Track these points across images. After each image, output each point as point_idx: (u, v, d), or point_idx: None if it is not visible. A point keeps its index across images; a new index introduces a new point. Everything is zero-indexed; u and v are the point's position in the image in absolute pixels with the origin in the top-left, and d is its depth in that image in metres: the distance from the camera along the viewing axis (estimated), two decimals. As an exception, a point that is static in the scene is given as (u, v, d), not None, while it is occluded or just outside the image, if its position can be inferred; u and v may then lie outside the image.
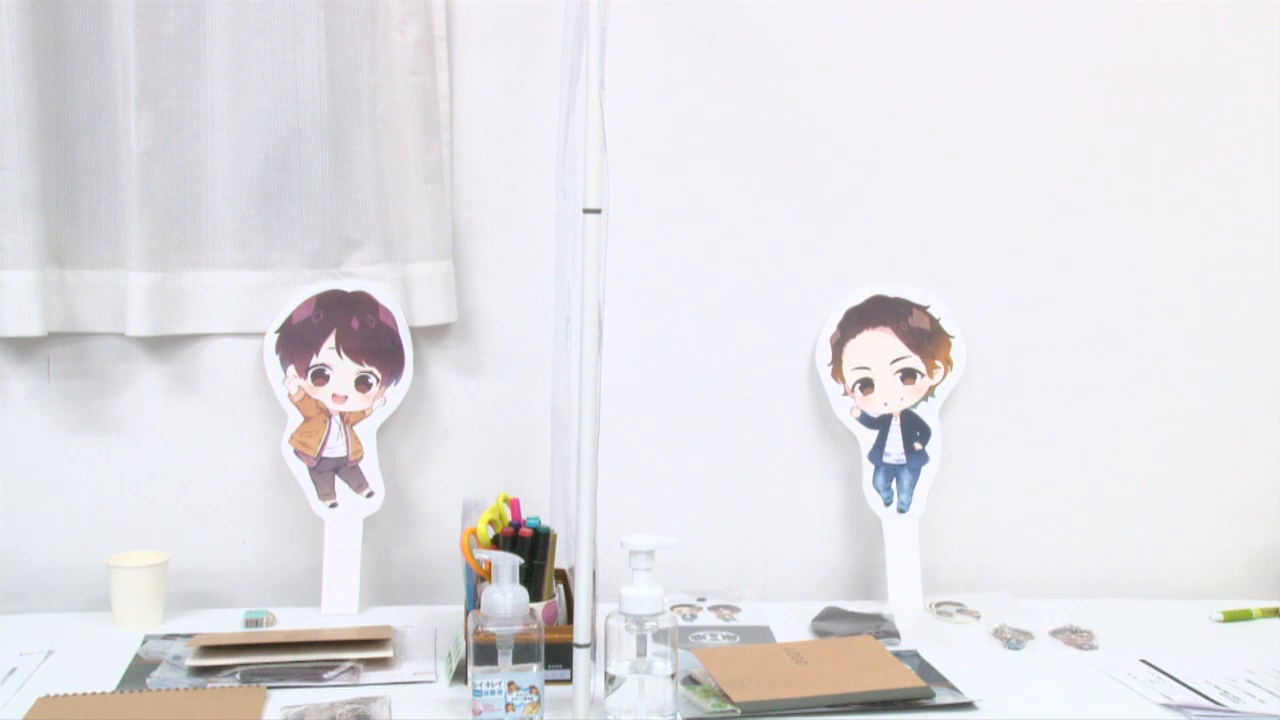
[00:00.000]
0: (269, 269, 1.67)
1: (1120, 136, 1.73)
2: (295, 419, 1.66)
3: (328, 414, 1.66)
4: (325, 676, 1.38)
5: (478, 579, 1.38)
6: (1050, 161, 1.73)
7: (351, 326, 1.67)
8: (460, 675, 1.38)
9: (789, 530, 1.75)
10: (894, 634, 1.55)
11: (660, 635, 1.26)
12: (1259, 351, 1.76)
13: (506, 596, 1.24)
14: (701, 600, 1.67)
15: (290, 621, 1.57)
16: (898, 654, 1.46)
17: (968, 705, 1.33)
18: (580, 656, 1.24)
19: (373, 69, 1.62)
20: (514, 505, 1.47)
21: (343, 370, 1.67)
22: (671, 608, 1.34)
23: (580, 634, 1.24)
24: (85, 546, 1.63)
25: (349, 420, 1.66)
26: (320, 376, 1.66)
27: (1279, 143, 1.73)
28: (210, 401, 1.68)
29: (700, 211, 1.71)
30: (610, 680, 1.27)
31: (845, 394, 1.71)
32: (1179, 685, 1.38)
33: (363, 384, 1.66)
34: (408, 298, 1.66)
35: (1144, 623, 1.61)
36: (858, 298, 1.72)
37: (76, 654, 1.48)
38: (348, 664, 1.41)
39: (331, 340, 1.67)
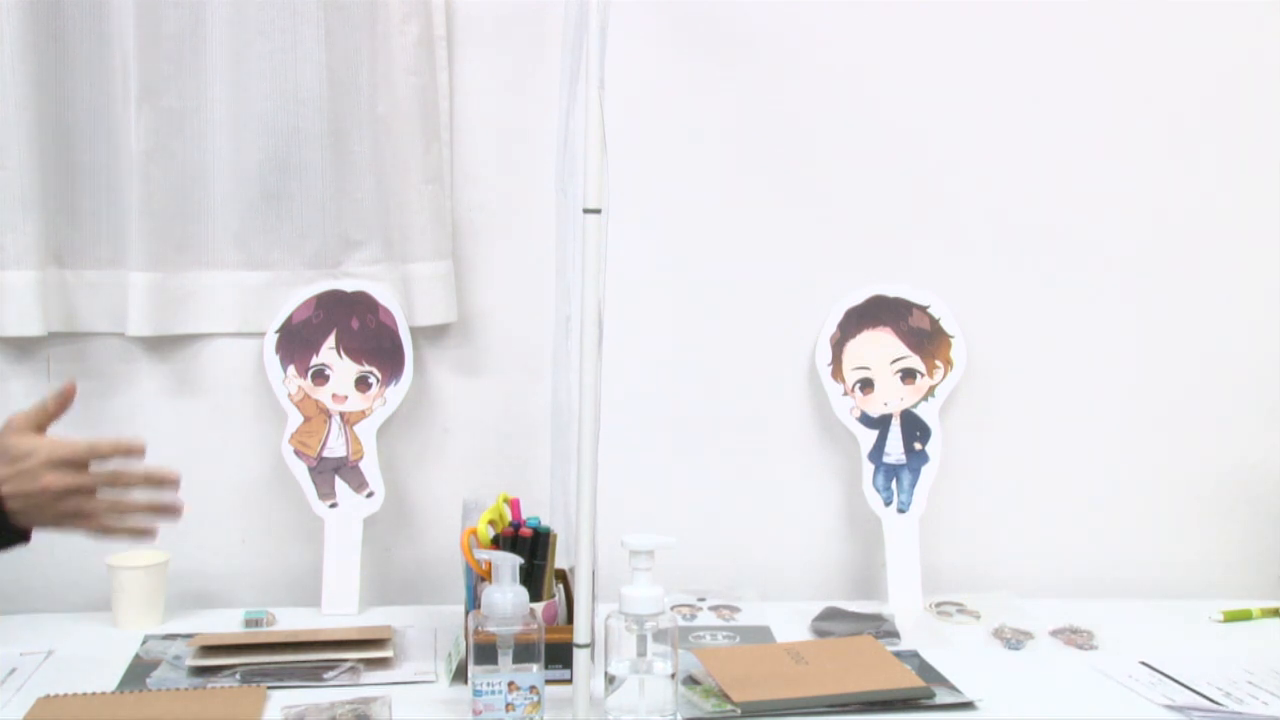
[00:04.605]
0: (269, 269, 1.67)
1: (1121, 137, 1.73)
2: (295, 419, 1.65)
3: (328, 414, 1.66)
4: (325, 676, 1.38)
5: (478, 579, 1.38)
6: (1050, 162, 1.73)
7: (351, 326, 1.67)
8: (460, 675, 1.38)
9: (789, 530, 1.75)
10: (894, 634, 1.55)
11: (660, 635, 1.26)
12: (1259, 352, 1.76)
13: (506, 596, 1.24)
14: (701, 600, 1.67)
15: (290, 621, 1.57)
16: (898, 654, 1.46)
17: (968, 705, 1.33)
18: (580, 656, 1.24)
19: (373, 69, 1.62)
20: (514, 505, 1.47)
21: (343, 370, 1.66)
22: (671, 608, 1.34)
23: (580, 634, 1.24)
24: (85, 546, 1.61)
25: (349, 420, 1.66)
26: (320, 376, 1.66)
27: (1279, 142, 1.74)
28: (210, 401, 1.68)
29: (700, 211, 1.71)
30: (610, 680, 1.27)
31: (845, 394, 1.71)
32: (1179, 686, 1.38)
33: (363, 384, 1.66)
34: (408, 298, 1.66)
35: (1144, 623, 1.61)
36: (858, 298, 1.72)
37: (76, 654, 1.48)
38: (348, 664, 1.41)
39: (331, 340, 1.67)
